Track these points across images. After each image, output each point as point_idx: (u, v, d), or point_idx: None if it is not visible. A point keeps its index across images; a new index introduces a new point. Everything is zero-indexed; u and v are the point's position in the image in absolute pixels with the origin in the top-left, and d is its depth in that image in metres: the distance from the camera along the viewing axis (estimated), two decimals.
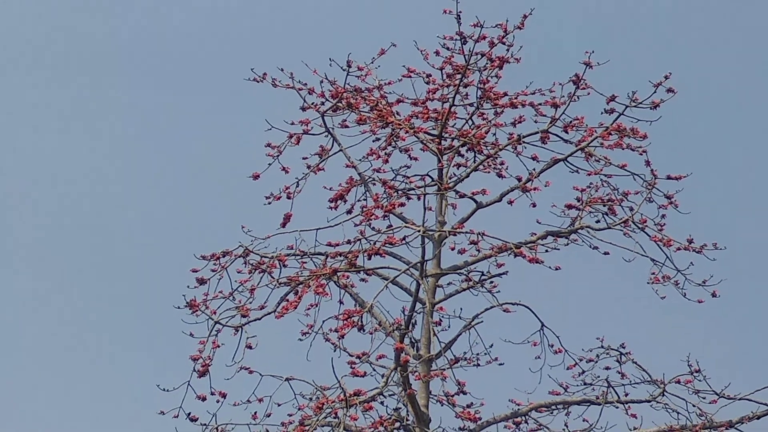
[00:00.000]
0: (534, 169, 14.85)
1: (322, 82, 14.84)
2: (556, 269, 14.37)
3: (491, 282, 14.72)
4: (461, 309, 15.12)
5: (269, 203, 14.94)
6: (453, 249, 15.07)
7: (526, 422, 15.39)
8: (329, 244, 13.95)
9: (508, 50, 14.82)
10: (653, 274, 15.16)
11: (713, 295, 14.95)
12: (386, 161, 15.18)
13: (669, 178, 15.04)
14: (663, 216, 15.06)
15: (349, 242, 13.84)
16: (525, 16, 14.56)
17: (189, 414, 13.49)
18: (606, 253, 14.97)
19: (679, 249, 14.94)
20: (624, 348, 15.81)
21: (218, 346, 13.42)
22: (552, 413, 15.50)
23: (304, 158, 15.17)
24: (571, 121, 14.81)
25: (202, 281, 13.74)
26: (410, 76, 15.19)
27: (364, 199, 15.21)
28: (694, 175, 15.07)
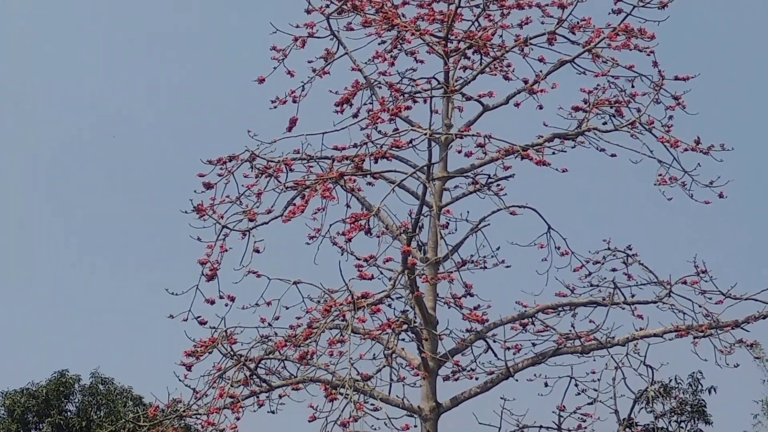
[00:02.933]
0: (541, 71, 14.77)
1: None
2: (563, 171, 14.36)
3: (498, 185, 14.73)
4: (468, 212, 15.19)
5: (275, 107, 14.89)
6: (460, 152, 15.07)
7: (532, 324, 15.50)
8: (335, 148, 13.91)
9: None
10: (660, 175, 15.14)
11: (720, 196, 14.94)
12: (392, 64, 15.09)
13: (677, 78, 14.95)
14: (670, 117, 15.00)
15: (355, 146, 13.80)
16: None
17: (198, 317, 13.62)
18: (613, 155, 14.94)
19: (686, 150, 14.90)
20: (630, 249, 15.88)
21: (226, 250, 13.49)
22: (558, 315, 15.60)
23: (309, 62, 15.09)
24: (578, 22, 14.68)
25: (208, 186, 13.76)
26: None
27: (370, 103, 15.16)
28: (702, 75, 14.98)
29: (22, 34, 61.56)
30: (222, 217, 13.64)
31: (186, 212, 13.58)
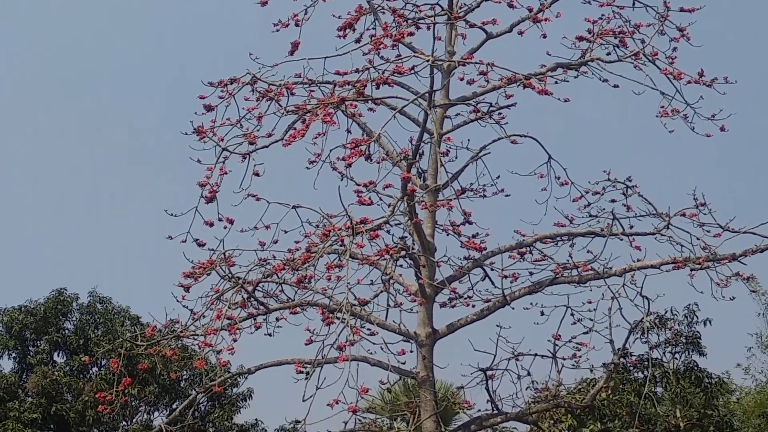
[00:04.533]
0: (545, 0, 14.67)
1: None
2: (565, 101, 14.29)
3: (499, 113, 14.67)
4: (469, 140, 15.15)
5: (277, 30, 14.81)
6: (462, 79, 15.00)
7: (530, 253, 15.55)
8: (337, 73, 13.84)
9: None
10: (662, 107, 15.10)
11: (722, 129, 14.91)
12: None
13: (682, 10, 14.86)
14: (674, 49, 14.92)
15: (357, 71, 13.69)
16: None
17: (197, 239, 13.65)
18: (615, 86, 14.87)
19: (689, 82, 14.84)
20: (630, 181, 15.87)
21: (226, 173, 13.50)
22: (557, 244, 15.65)
23: None
24: None
25: (209, 108, 13.72)
26: None
27: (373, 28, 15.08)
28: (707, 7, 14.87)
29: None
30: (222, 140, 13.63)
31: (186, 134, 13.57)
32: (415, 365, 14.75)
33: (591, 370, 16.86)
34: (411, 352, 14.43)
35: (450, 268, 15.05)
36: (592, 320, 15.59)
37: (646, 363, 24.42)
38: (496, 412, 15.96)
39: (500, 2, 14.92)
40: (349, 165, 12.73)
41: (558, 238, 15.62)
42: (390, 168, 14.21)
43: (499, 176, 15.32)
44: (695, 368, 26.31)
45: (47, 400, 33.10)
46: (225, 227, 13.77)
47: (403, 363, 13.97)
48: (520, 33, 14.89)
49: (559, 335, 15.79)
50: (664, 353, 26.54)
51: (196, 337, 14.08)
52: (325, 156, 14.03)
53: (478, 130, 14.82)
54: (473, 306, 15.32)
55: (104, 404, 14.35)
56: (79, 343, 34.64)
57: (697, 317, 26.53)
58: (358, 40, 14.67)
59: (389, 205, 13.64)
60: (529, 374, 16.33)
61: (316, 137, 13.66)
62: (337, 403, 12.42)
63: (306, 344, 13.60)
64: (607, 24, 14.96)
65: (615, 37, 14.94)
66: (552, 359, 16.02)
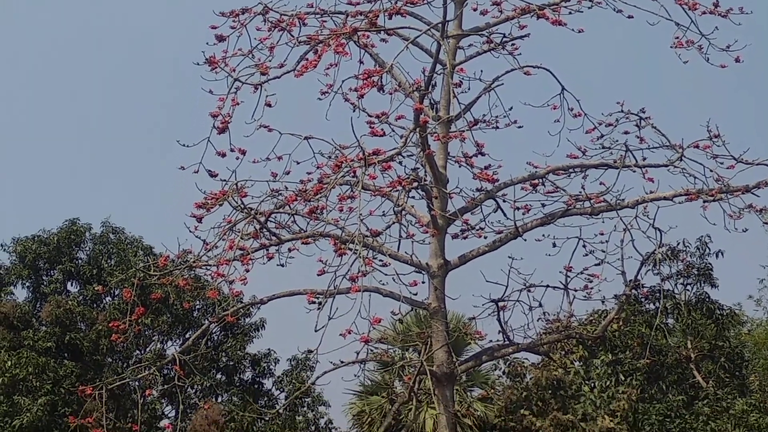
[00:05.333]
0: None
1: None
2: (579, 32, 14.16)
3: (513, 44, 14.57)
4: (482, 71, 15.04)
5: None
6: (475, 10, 14.88)
7: (543, 184, 15.52)
8: (350, 3, 13.75)
9: None
10: (677, 38, 14.97)
11: (737, 60, 14.80)
12: None
13: None
14: None
15: (369, 1, 13.62)
16: None
17: (209, 170, 13.65)
18: (630, 17, 14.72)
19: (704, 13, 14.69)
20: (644, 112, 15.79)
21: (238, 104, 13.45)
22: (569, 176, 15.62)
23: None
24: None
25: (221, 38, 13.65)
26: None
27: None
28: None
29: None
30: (234, 70, 13.57)
31: (198, 64, 13.51)
32: (427, 296, 14.80)
33: (602, 302, 16.96)
34: (423, 283, 14.49)
35: (462, 199, 15.06)
36: (604, 252, 15.64)
37: (658, 294, 24.49)
38: (507, 342, 16.06)
39: None
40: (362, 96, 12.68)
41: (570, 170, 15.59)
42: (402, 99, 14.15)
43: (512, 107, 15.25)
44: (707, 300, 26.36)
45: (61, 329, 33.34)
46: (237, 158, 13.76)
47: (415, 294, 14.03)
48: None
49: (571, 267, 15.84)
50: (675, 285, 26.59)
51: (208, 267, 14.13)
52: (337, 87, 13.94)
53: (491, 61, 14.74)
54: (485, 237, 15.36)
55: (117, 333, 14.46)
56: (92, 272, 34.82)
57: (709, 249, 26.54)
58: None
59: (401, 137, 13.60)
60: (540, 305, 16.41)
61: (328, 68, 13.59)
62: (349, 333, 12.51)
63: (318, 275, 13.66)
64: None
65: None
66: (564, 291, 16.07)
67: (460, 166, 14.94)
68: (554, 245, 15.54)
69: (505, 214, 15.21)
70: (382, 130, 13.14)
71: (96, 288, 31.29)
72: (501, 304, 16.00)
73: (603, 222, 15.41)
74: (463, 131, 14.59)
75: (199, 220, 13.79)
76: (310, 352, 13.98)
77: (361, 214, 12.54)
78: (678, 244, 25.12)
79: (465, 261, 15.06)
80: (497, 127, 15.39)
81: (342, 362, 14.42)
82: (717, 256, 26.44)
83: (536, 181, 15.44)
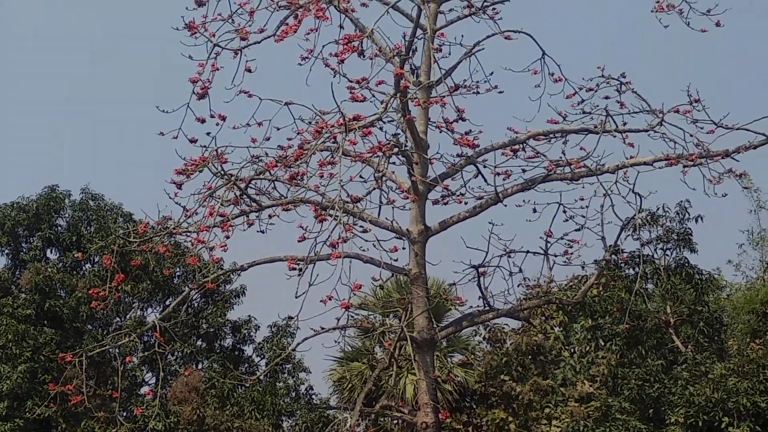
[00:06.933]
0: None
1: None
2: None
3: (493, 8, 14.56)
4: (462, 36, 15.01)
5: None
6: None
7: (523, 150, 15.53)
8: None
9: None
10: (657, 2, 14.98)
11: (717, 24, 14.81)
12: None
13: None
14: None
15: None
16: None
17: (189, 136, 13.59)
18: None
19: None
20: (624, 77, 15.78)
21: (217, 69, 13.39)
22: (550, 141, 15.63)
23: None
24: None
25: (200, 3, 13.56)
26: None
27: None
28: None
29: None
30: (214, 35, 13.50)
31: (177, 29, 13.42)
32: (408, 262, 14.82)
33: (582, 267, 17.01)
34: (403, 249, 14.50)
35: (443, 165, 15.07)
36: (584, 217, 15.69)
37: (637, 260, 24.49)
38: (487, 308, 16.10)
39: None
40: (342, 61, 12.64)
41: (551, 135, 15.59)
42: (383, 64, 14.12)
43: (492, 73, 15.23)
44: (686, 265, 26.38)
45: (41, 296, 33.16)
46: (217, 124, 13.72)
47: (396, 260, 14.05)
48: None
49: (551, 232, 15.87)
50: (655, 250, 26.62)
51: (188, 234, 14.10)
52: (317, 52, 13.90)
53: (471, 26, 14.71)
54: (466, 203, 15.38)
55: (98, 300, 14.43)
56: (71, 239, 34.61)
57: (689, 214, 26.53)
58: None
59: (382, 102, 13.57)
60: (521, 271, 16.47)
61: (309, 33, 13.53)
62: (329, 299, 12.50)
63: (299, 241, 13.64)
64: None
65: None
66: (544, 256, 16.10)
67: (440, 132, 14.93)
68: (534, 211, 15.57)
69: (485, 180, 15.23)
70: (362, 95, 13.11)
71: (76, 255, 31.05)
72: (481, 269, 16.02)
73: (583, 187, 15.47)
74: (444, 96, 14.56)
75: (179, 186, 13.74)
76: (290, 318, 13.98)
77: (341, 180, 12.53)
78: (657, 209, 25.09)
79: (445, 227, 15.06)
80: (478, 93, 15.37)
81: (322, 328, 14.44)
82: (696, 221, 26.43)
83: (517, 146, 15.44)
